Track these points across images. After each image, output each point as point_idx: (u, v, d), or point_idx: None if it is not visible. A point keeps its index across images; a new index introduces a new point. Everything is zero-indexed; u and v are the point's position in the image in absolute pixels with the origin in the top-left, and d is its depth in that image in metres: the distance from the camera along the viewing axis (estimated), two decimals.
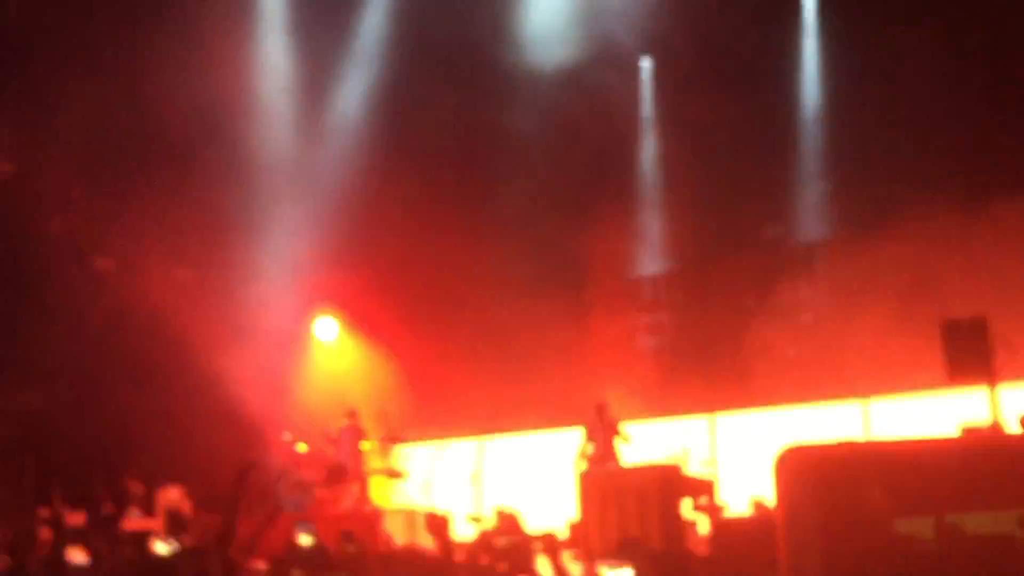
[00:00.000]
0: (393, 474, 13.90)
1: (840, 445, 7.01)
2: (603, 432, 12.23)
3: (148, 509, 13.08)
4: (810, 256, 12.40)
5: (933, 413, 10.92)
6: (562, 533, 9.78)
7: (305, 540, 4.67)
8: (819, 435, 12.34)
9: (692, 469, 10.27)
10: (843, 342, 11.60)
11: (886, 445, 7.28)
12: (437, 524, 4.13)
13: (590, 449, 12.23)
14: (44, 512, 11.84)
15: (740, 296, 12.75)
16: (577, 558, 8.01)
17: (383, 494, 13.93)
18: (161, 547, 7.18)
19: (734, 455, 12.90)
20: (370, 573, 3.62)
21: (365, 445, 13.82)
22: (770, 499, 9.15)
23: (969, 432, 8.05)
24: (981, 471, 6.16)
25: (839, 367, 11.65)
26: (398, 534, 12.08)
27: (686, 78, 12.90)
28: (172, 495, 13.19)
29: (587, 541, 8.74)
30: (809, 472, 6.63)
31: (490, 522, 10.16)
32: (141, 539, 9.92)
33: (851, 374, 11.73)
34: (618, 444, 12.20)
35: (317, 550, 4.53)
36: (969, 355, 8.46)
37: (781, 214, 12.49)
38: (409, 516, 12.73)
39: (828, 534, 6.43)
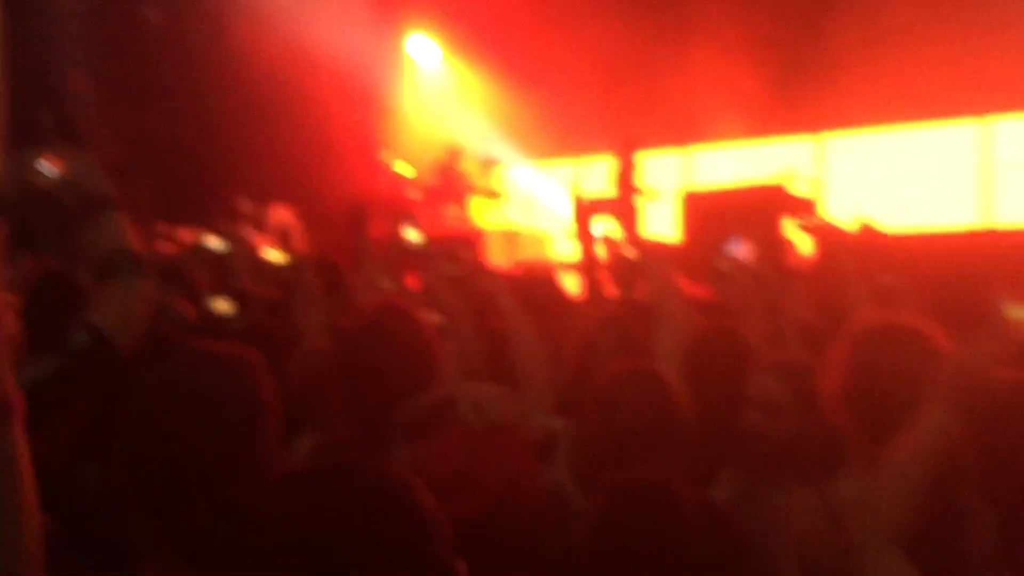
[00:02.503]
0: (493, 194, 14.03)
1: None
2: (621, 177, 11.57)
3: (259, 226, 13.55)
4: None
5: None
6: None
7: (412, 235, 4.54)
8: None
9: (796, 189, 10.10)
10: (961, 54, 10.90)
11: None
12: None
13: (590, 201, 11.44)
14: (161, 227, 12.36)
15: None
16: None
17: (483, 214, 14.13)
18: (274, 255, 7.38)
19: (843, 177, 12.64)
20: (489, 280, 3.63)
21: (465, 165, 13.91)
22: (878, 221, 9.02)
23: None
24: None
25: (956, 81, 11.03)
26: (499, 254, 12.33)
27: None
28: (281, 213, 13.62)
29: (689, 262, 8.78)
30: None
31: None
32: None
33: (970, 90, 11.12)
34: (638, 199, 11.54)
35: (426, 246, 4.45)
36: None
37: None
38: (510, 236, 12.95)
39: None
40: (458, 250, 4.82)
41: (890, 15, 11.55)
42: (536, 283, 5.06)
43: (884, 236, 7.79)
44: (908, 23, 11.33)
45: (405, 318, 2.91)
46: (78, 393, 2.52)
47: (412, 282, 5.34)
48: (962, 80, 11.06)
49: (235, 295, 5.22)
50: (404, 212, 12.50)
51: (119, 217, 2.54)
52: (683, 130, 13.59)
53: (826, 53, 12.14)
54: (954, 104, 11.50)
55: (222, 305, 5.15)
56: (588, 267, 4.64)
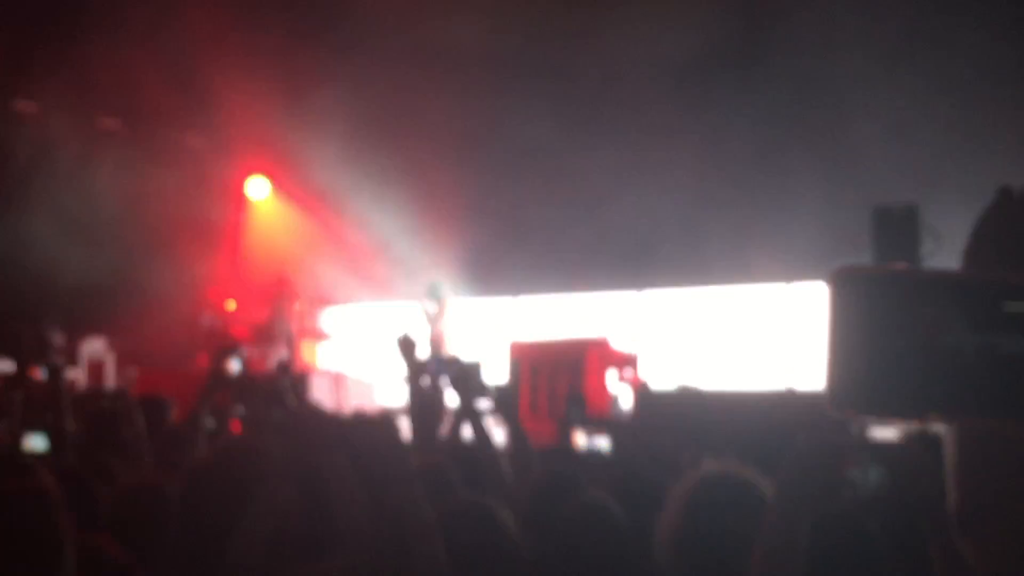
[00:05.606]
0: (321, 336, 13.94)
1: (891, 271, 7.40)
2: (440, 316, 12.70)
3: (71, 359, 12.97)
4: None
5: None
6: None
7: (236, 366, 4.45)
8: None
9: (619, 343, 10.49)
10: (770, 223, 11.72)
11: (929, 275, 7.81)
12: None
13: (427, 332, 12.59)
14: None
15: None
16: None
17: (311, 356, 14.00)
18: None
19: (661, 331, 13.18)
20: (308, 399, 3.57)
21: (294, 306, 13.82)
22: (694, 380, 9.48)
23: None
24: None
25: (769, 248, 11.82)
26: (324, 396, 12.19)
27: None
28: (95, 346, 13.11)
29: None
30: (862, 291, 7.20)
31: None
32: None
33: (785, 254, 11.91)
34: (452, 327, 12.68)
35: (248, 379, 4.35)
36: (898, 243, 8.62)
37: None
38: (336, 378, 12.83)
39: (874, 346, 6.99)
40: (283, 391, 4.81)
41: None
42: (370, 427, 5.04)
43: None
44: None
45: (257, 458, 2.64)
46: None
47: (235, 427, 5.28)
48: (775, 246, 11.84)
49: (50, 430, 5.06)
50: (230, 346, 12.25)
51: None
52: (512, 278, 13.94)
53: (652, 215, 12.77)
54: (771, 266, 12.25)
55: (35, 441, 5.03)
56: (416, 412, 4.70)
